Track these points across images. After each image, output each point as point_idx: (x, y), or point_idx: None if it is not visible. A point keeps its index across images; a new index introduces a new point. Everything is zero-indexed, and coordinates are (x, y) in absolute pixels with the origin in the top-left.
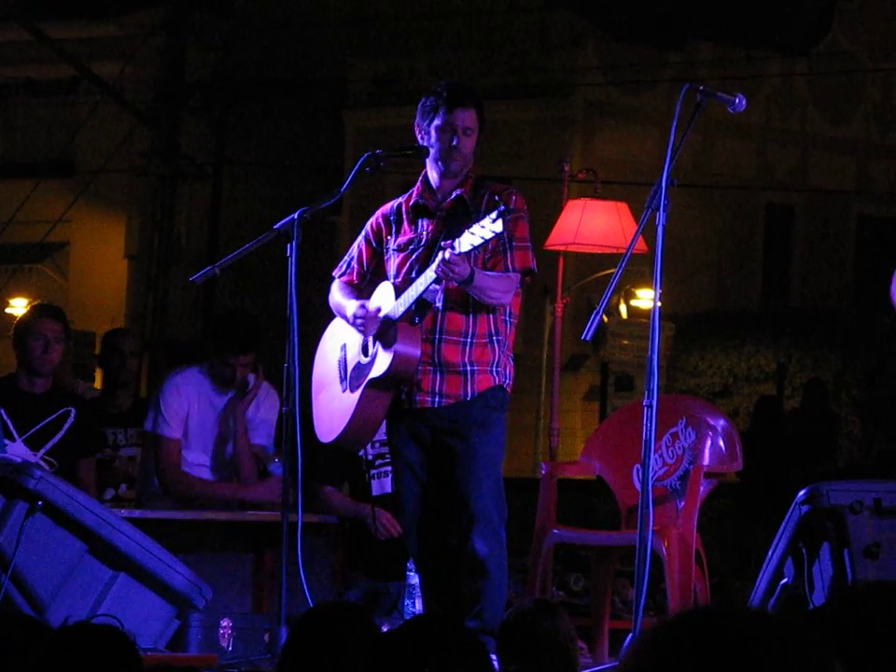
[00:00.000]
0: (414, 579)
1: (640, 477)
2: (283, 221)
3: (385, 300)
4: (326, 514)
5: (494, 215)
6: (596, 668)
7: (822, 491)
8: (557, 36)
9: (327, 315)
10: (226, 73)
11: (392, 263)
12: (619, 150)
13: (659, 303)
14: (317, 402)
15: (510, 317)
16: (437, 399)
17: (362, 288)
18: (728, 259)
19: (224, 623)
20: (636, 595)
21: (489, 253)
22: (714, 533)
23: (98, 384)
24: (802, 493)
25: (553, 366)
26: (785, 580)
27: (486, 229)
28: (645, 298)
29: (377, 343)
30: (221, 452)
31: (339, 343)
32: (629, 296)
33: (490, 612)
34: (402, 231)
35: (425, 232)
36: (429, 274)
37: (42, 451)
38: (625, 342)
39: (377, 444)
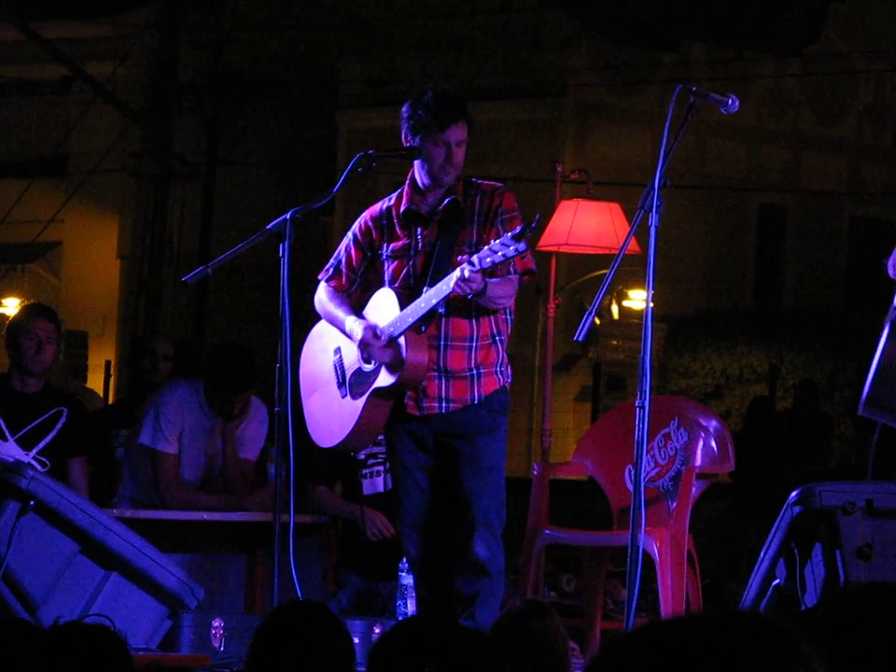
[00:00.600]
0: (406, 579)
1: (632, 478)
2: (275, 221)
3: (386, 308)
4: (318, 515)
5: (517, 232)
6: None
7: (814, 492)
8: (550, 37)
9: (316, 316)
10: (219, 73)
11: (387, 269)
12: (611, 151)
13: (651, 304)
14: (310, 404)
15: (509, 315)
16: (444, 405)
17: (351, 293)
18: (720, 260)
19: (216, 623)
20: (627, 596)
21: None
22: (706, 534)
23: (93, 384)
24: (794, 494)
25: (545, 366)
26: (777, 581)
27: (510, 247)
28: (637, 298)
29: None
30: (210, 468)
31: (331, 344)
32: (621, 297)
33: (484, 613)
34: (395, 237)
35: (420, 238)
36: (443, 289)
37: (34, 451)
38: (617, 342)
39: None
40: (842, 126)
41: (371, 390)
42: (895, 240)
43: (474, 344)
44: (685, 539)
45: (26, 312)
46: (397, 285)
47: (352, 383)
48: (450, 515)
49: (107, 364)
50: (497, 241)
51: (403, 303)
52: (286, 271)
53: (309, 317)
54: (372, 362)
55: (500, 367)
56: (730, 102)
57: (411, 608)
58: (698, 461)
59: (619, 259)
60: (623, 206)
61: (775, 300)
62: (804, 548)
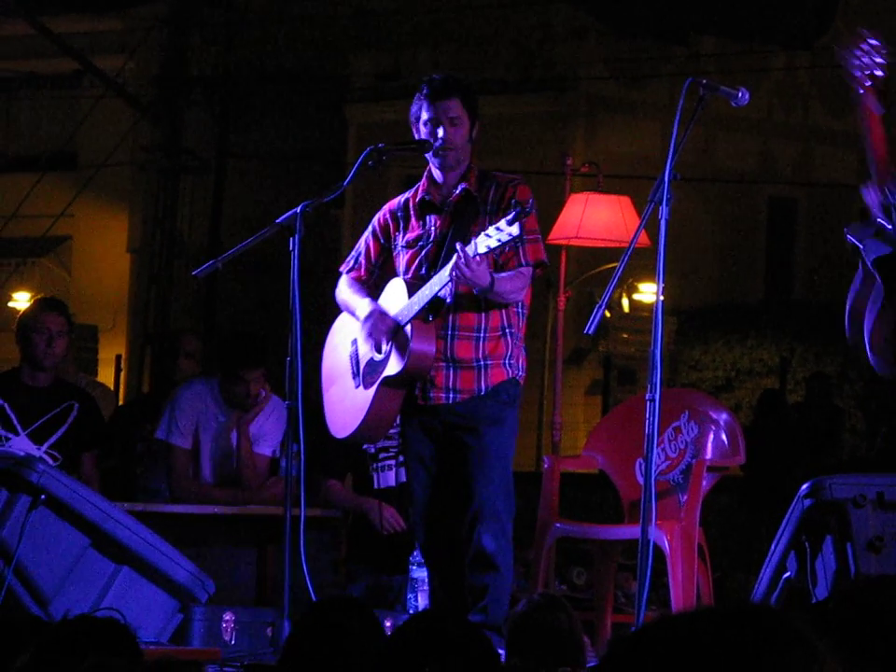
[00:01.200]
0: (417, 573)
1: (643, 471)
2: (285, 215)
3: (397, 297)
4: (329, 508)
5: (511, 217)
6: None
7: (825, 485)
8: (560, 30)
9: (330, 309)
10: (229, 67)
11: (401, 260)
12: (622, 144)
13: (662, 297)
14: (329, 396)
15: (522, 308)
16: (451, 395)
17: (371, 284)
18: (731, 253)
19: (227, 616)
20: (638, 589)
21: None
22: (717, 527)
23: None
24: (805, 487)
25: (555, 360)
26: (788, 573)
27: (503, 231)
28: (647, 292)
29: (391, 341)
30: (225, 464)
31: (349, 337)
32: (632, 290)
33: (495, 607)
34: (410, 228)
35: (433, 228)
36: (444, 275)
37: (45, 445)
38: (628, 336)
39: None
40: (852, 118)
41: (380, 379)
42: None
43: (482, 335)
44: (696, 532)
45: (37, 306)
46: (409, 275)
47: (365, 373)
48: (459, 508)
49: (118, 358)
50: (493, 225)
51: (412, 292)
52: (296, 264)
53: (321, 311)
54: (383, 351)
55: (510, 359)
56: (740, 95)
57: (422, 601)
58: (709, 454)
59: (629, 253)
60: (633, 199)
61: (785, 293)
62: (814, 541)
